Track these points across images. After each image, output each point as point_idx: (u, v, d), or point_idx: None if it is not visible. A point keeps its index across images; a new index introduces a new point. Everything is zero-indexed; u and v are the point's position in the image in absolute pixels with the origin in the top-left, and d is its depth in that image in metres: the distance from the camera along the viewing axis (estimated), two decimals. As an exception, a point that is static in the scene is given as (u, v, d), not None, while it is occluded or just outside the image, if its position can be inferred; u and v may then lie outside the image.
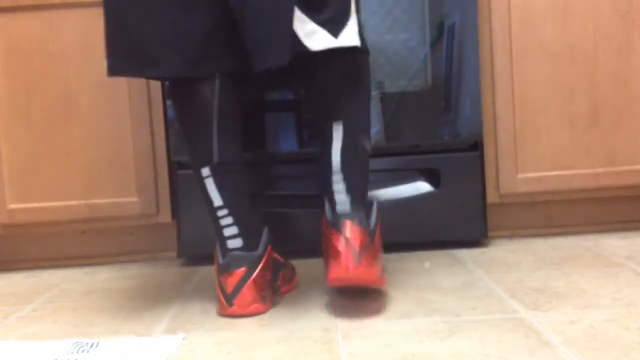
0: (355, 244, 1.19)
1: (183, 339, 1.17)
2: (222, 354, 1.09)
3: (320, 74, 1.34)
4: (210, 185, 1.31)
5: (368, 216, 1.29)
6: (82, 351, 1.12)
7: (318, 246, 1.35)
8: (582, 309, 1.19)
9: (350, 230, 1.20)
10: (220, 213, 1.31)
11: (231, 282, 1.26)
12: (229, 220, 1.30)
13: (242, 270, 1.26)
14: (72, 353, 1.11)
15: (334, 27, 1.25)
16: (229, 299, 1.26)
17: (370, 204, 1.34)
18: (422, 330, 1.13)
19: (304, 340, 1.12)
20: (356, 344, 1.09)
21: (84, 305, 1.44)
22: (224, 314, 1.28)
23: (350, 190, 1.28)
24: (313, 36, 1.25)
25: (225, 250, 1.30)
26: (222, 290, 1.27)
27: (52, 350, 1.13)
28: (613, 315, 1.15)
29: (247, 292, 1.26)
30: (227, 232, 1.30)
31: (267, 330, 1.19)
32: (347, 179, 1.29)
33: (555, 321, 1.13)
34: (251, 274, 1.27)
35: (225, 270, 1.27)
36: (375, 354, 1.03)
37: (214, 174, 1.31)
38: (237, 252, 1.28)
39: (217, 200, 1.31)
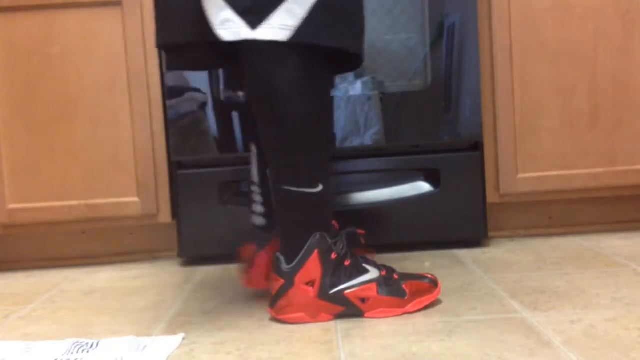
0: None
1: (183, 339, 1.17)
2: (222, 354, 1.09)
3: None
4: (254, 162, 1.38)
5: None
6: (82, 351, 1.12)
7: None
8: (582, 309, 1.19)
9: None
10: (254, 189, 1.38)
11: (246, 252, 1.37)
12: (258, 197, 1.37)
13: (254, 246, 1.35)
14: (72, 353, 1.11)
15: (254, 17, 1.12)
16: (247, 267, 1.37)
17: None
18: (422, 330, 1.13)
19: (304, 340, 1.12)
20: (356, 344, 1.09)
21: (84, 305, 1.44)
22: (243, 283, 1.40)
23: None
24: (226, 24, 1.12)
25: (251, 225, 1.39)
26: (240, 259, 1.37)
27: (52, 350, 1.13)
28: (613, 315, 1.15)
29: (259, 262, 1.34)
30: (255, 208, 1.37)
31: (267, 330, 1.19)
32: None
33: (555, 321, 1.13)
34: (261, 249, 1.36)
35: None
36: (375, 354, 1.03)
37: (259, 154, 1.37)
38: (258, 231, 1.37)
39: (255, 177, 1.38)
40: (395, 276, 1.26)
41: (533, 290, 1.32)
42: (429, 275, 1.29)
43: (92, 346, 1.14)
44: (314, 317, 1.22)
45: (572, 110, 1.76)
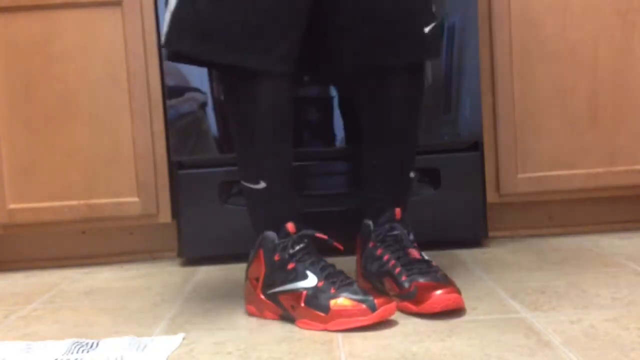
0: None
1: (183, 339, 1.17)
2: (222, 354, 1.09)
3: None
4: None
5: None
6: (82, 351, 1.12)
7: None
8: (582, 309, 1.19)
9: None
10: None
11: None
12: None
13: None
14: (72, 353, 1.11)
15: None
16: None
17: None
18: (422, 330, 1.13)
19: (304, 340, 1.12)
20: (356, 344, 1.09)
21: (84, 305, 1.44)
22: None
23: None
24: None
25: None
26: None
27: (52, 350, 1.13)
28: (613, 315, 1.15)
29: None
30: None
31: (267, 330, 1.19)
32: None
33: (555, 321, 1.13)
34: None
35: None
36: (375, 354, 1.03)
37: None
38: None
39: None
40: (332, 290, 1.17)
41: (533, 290, 1.32)
42: (372, 299, 1.15)
43: (92, 346, 1.14)
44: (261, 312, 1.26)
45: (572, 110, 1.76)
